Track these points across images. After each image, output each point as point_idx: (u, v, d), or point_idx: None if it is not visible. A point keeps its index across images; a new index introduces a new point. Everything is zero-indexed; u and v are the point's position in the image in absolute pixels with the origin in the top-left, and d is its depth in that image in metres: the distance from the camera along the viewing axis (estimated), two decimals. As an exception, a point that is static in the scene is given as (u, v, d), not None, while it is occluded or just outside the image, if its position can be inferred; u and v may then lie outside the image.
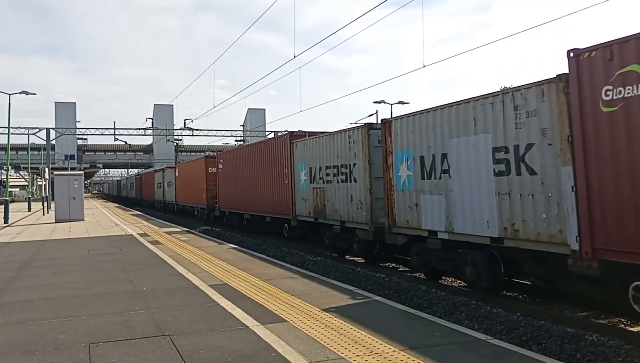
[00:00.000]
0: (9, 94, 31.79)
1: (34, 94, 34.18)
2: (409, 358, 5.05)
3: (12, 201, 48.96)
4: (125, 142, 67.46)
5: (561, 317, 8.18)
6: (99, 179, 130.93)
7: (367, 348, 5.35)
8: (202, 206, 29.02)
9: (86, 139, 78.43)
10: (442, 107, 10.14)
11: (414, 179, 11.04)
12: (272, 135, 62.38)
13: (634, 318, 8.08)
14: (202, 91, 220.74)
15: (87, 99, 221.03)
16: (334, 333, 5.90)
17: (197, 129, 59.73)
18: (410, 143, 11.11)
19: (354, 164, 13.43)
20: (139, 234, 18.94)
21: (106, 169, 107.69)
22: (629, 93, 6.65)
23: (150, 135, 75.91)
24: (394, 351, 5.26)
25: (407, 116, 11.31)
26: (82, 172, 35.04)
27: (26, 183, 69.00)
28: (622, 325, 8.00)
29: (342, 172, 14.03)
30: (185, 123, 58.53)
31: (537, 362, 4.99)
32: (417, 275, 12.18)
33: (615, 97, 6.81)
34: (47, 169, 41.24)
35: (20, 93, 32.52)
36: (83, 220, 26.51)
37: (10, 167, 31.81)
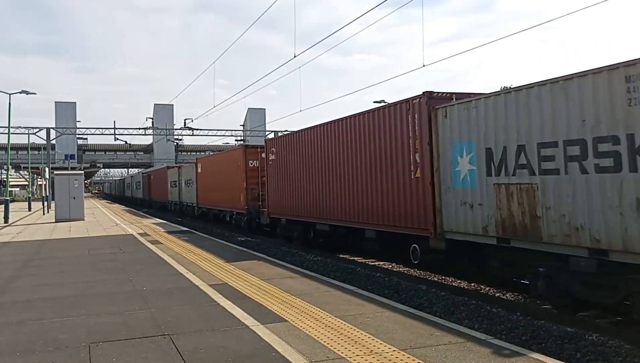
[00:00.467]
0: (9, 94, 31.81)
1: (34, 93, 34.13)
2: (409, 358, 5.05)
3: (12, 200, 48.93)
4: (126, 141, 67.44)
5: (561, 317, 8.17)
6: (99, 179, 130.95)
7: (367, 348, 5.35)
8: (239, 210, 22.69)
9: (86, 138, 78.44)
10: None
11: None
12: (272, 135, 62.44)
13: (634, 318, 8.08)
14: (202, 91, 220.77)
15: (87, 99, 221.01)
16: (334, 333, 5.90)
17: (197, 129, 59.69)
18: None
19: None
20: (139, 234, 18.94)
21: (106, 169, 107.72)
22: None
23: (150, 135, 75.93)
24: (394, 351, 5.26)
25: None
26: (82, 172, 35.11)
27: (26, 183, 69.04)
28: (622, 325, 8.00)
29: (600, 152, 7.23)
30: (185, 123, 58.56)
31: (537, 362, 4.99)
32: (416, 274, 12.18)
33: None
34: (47, 169, 41.27)
35: (20, 93, 32.50)
36: (83, 220, 26.50)
37: (10, 167, 31.78)
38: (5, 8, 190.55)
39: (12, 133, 34.31)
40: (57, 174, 28.35)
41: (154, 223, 24.59)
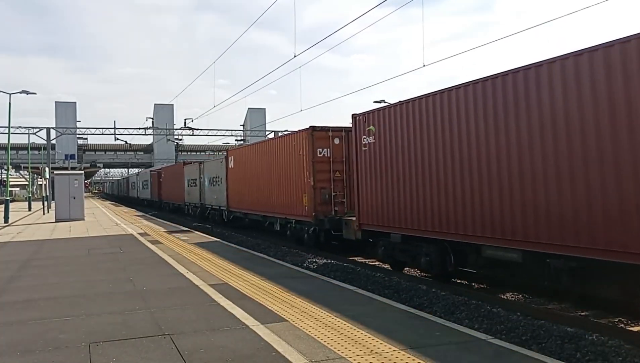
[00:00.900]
0: (9, 94, 31.78)
1: (34, 93, 34.02)
2: (409, 357, 5.05)
3: (13, 200, 48.88)
4: (126, 141, 67.44)
5: (561, 317, 8.18)
6: (99, 178, 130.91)
7: (367, 348, 5.35)
8: (300, 218, 16.66)
9: (86, 138, 78.30)
10: None
11: None
12: (272, 135, 62.46)
13: (634, 317, 8.08)
14: (203, 91, 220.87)
15: (87, 99, 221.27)
16: (334, 333, 5.90)
17: (198, 129, 59.67)
18: None
19: None
20: (139, 233, 18.94)
21: (106, 169, 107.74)
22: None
23: (150, 135, 75.97)
24: (394, 350, 5.26)
25: None
26: (83, 171, 35.09)
27: (26, 183, 69.03)
28: (622, 325, 8.00)
29: None
30: (185, 123, 58.56)
31: (537, 362, 4.99)
32: (417, 274, 12.18)
33: None
34: (47, 169, 41.26)
35: (20, 93, 32.46)
36: (83, 220, 26.50)
37: (10, 166, 31.77)
38: (5, 8, 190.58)
39: (12, 133, 34.34)
40: (57, 174, 28.35)
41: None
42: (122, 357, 5.23)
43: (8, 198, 32.65)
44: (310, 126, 15.94)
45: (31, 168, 56.54)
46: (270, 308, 7.15)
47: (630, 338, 6.94)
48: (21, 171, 68.79)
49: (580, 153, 7.44)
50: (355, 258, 14.57)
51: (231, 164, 24.29)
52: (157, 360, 5.15)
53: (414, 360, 4.99)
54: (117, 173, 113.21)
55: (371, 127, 12.41)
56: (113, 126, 58.82)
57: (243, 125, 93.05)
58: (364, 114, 12.78)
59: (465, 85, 9.53)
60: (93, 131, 60.71)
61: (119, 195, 79.03)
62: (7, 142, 31.78)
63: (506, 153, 8.63)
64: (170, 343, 5.63)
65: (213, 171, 27.63)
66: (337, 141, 15.88)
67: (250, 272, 10.10)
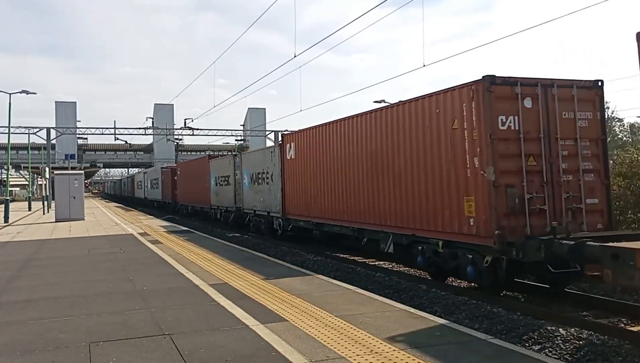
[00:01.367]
0: (9, 94, 31.81)
1: (34, 93, 34.08)
2: (409, 357, 5.05)
3: (13, 200, 48.92)
4: (126, 141, 67.56)
5: (561, 317, 8.17)
6: (99, 178, 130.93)
7: (367, 348, 5.35)
8: (456, 238, 9.81)
9: (86, 138, 78.27)
10: None
11: None
12: (272, 135, 62.53)
13: (634, 317, 8.09)
14: (203, 91, 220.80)
15: (87, 99, 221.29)
16: (334, 333, 5.90)
17: (198, 129, 59.72)
18: None
19: None
20: (139, 233, 18.94)
21: (106, 169, 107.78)
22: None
23: (150, 134, 75.96)
24: (394, 350, 5.26)
25: None
26: (83, 171, 35.08)
27: (26, 183, 69.04)
28: (622, 325, 8.00)
29: None
30: (185, 123, 58.61)
31: (537, 362, 4.99)
32: (417, 274, 12.17)
33: None
34: (47, 169, 41.27)
35: (20, 92, 32.50)
36: (83, 220, 26.51)
37: (10, 166, 31.78)
38: (5, 8, 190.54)
39: (12, 133, 34.34)
40: (57, 174, 28.36)
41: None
42: (122, 356, 5.23)
43: (8, 197, 32.66)
44: (483, 77, 9.08)
45: (31, 167, 56.56)
46: (270, 307, 7.15)
47: (630, 338, 6.94)
48: (21, 171, 68.86)
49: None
50: (355, 258, 14.57)
51: (290, 155, 17.36)
52: (157, 360, 5.14)
53: (414, 360, 4.99)
54: (117, 172, 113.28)
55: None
56: (113, 126, 58.92)
57: (243, 125, 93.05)
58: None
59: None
60: (93, 131, 60.82)
61: (122, 196, 73.73)
62: (7, 142, 31.81)
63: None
64: (170, 343, 5.62)
65: (256, 165, 20.77)
66: (528, 103, 9.33)
67: (250, 272, 10.10)
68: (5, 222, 26.46)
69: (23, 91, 32.60)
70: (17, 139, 68.26)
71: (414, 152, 10.91)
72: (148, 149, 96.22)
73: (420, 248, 10.98)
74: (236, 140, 72.20)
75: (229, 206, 24.79)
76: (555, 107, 9.34)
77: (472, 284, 10.57)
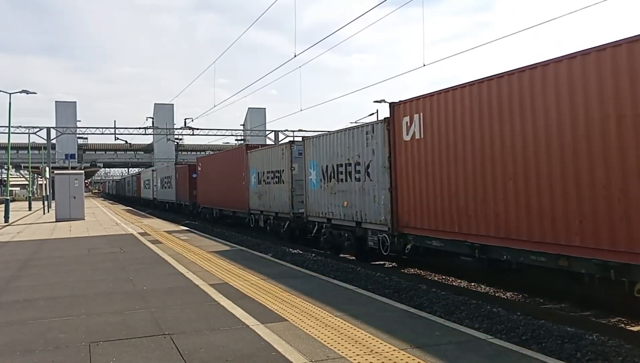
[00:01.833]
0: (10, 93, 31.79)
1: (34, 93, 34.03)
2: (409, 357, 5.05)
3: (13, 200, 48.84)
4: (126, 141, 67.43)
5: (561, 316, 8.18)
6: (99, 178, 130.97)
7: (367, 348, 5.35)
8: None
9: (86, 138, 78.23)
10: None
11: None
12: (272, 135, 62.49)
13: (634, 317, 8.08)
14: (203, 90, 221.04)
15: (87, 98, 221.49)
16: (334, 333, 5.90)
17: (198, 129, 59.61)
18: None
19: None
20: (139, 233, 18.94)
21: (106, 169, 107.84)
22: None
23: (150, 134, 75.94)
24: (394, 350, 5.26)
25: None
26: (83, 171, 35.05)
27: (26, 182, 69.00)
28: (622, 325, 8.01)
29: None
30: (185, 122, 58.50)
31: (537, 361, 4.99)
32: (417, 274, 12.17)
33: None
34: (47, 169, 41.25)
35: (20, 92, 32.48)
36: (83, 219, 26.51)
37: (10, 166, 31.78)
38: (5, 8, 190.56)
39: (12, 133, 34.34)
40: (57, 174, 28.35)
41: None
42: (122, 356, 5.23)
43: (8, 197, 32.65)
44: None
45: (31, 167, 56.55)
46: (270, 307, 7.15)
47: (630, 338, 6.94)
48: (21, 171, 68.85)
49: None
50: (355, 258, 14.56)
51: (411, 133, 11.20)
52: (157, 359, 5.15)
53: (414, 359, 4.99)
54: (117, 172, 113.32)
55: None
56: (113, 126, 58.83)
57: (243, 125, 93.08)
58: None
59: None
60: (93, 130, 60.72)
61: (126, 196, 68.70)
62: (7, 142, 31.80)
63: None
64: (170, 343, 5.63)
65: (333, 154, 14.64)
66: None
67: (250, 272, 10.10)
68: (5, 222, 26.46)
69: (23, 91, 32.59)
70: (17, 139, 68.53)
71: None
72: (148, 149, 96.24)
73: None
74: (236, 140, 72.22)
75: (280, 212, 18.86)
76: None
77: (472, 284, 10.60)
